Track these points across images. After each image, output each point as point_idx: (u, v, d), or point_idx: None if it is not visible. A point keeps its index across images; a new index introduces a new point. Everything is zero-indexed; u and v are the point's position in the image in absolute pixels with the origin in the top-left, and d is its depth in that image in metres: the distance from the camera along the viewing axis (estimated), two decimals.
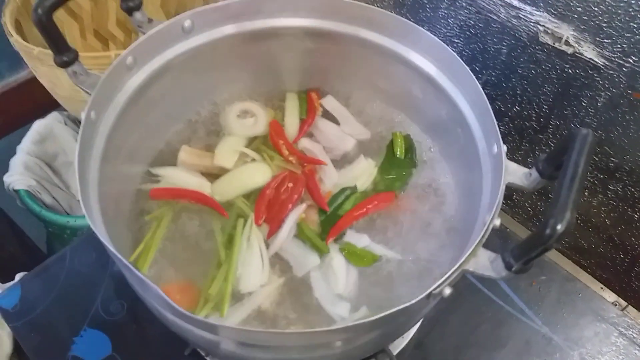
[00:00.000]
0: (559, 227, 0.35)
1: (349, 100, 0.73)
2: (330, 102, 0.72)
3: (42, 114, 1.35)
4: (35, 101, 1.41)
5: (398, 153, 0.67)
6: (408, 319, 0.47)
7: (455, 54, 0.55)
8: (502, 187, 0.45)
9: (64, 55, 0.51)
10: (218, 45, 0.63)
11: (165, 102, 0.63)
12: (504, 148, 0.48)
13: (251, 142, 0.69)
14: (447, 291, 0.41)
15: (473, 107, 0.55)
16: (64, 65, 0.51)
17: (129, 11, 0.57)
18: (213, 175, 0.66)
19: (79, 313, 0.68)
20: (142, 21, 0.58)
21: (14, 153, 1.26)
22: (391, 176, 0.66)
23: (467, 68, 0.54)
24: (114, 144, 0.54)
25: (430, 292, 0.40)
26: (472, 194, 0.54)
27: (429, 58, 0.60)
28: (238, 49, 0.65)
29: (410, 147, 0.68)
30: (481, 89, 0.52)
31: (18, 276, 0.77)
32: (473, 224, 0.50)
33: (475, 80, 0.53)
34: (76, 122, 1.39)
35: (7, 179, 1.20)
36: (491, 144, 0.51)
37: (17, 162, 1.22)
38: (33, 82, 1.42)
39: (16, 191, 1.18)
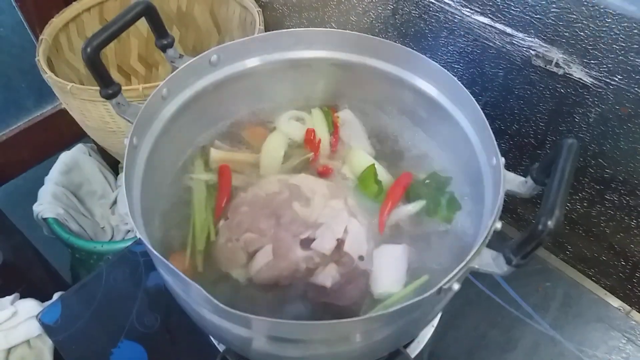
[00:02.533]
0: (549, 223, 0.40)
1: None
2: (347, 115, 0.78)
3: (66, 146, 1.43)
4: (60, 134, 1.50)
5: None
6: (422, 314, 0.52)
7: (454, 77, 0.62)
8: (502, 194, 0.51)
9: (109, 88, 0.58)
10: (241, 76, 0.70)
11: (195, 127, 0.70)
12: (502, 160, 0.54)
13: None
14: (456, 286, 0.46)
15: (473, 124, 0.61)
16: (109, 97, 0.58)
17: (163, 48, 0.65)
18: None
19: (116, 326, 0.74)
20: (174, 57, 0.66)
21: (39, 184, 1.33)
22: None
23: (466, 90, 0.60)
24: (152, 165, 0.61)
25: (441, 287, 0.46)
26: (477, 202, 0.59)
27: (431, 82, 0.67)
28: (259, 79, 0.73)
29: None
30: (479, 107, 0.58)
31: (56, 295, 0.83)
32: (477, 229, 0.56)
33: (474, 100, 0.59)
34: (99, 152, 1.47)
35: (37, 207, 1.27)
36: (491, 157, 0.56)
37: (46, 192, 1.30)
38: (57, 116, 1.51)
39: (45, 219, 1.25)
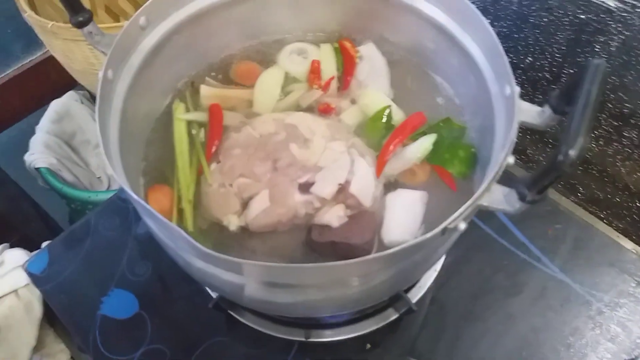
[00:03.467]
0: (571, 152, 0.35)
1: None
2: (369, 50, 0.70)
3: (58, 94, 1.37)
4: (51, 81, 1.44)
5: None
6: (424, 256, 0.48)
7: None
8: (515, 125, 0.46)
9: (79, 15, 0.52)
10: (232, 1, 0.63)
11: (179, 61, 0.64)
12: (517, 89, 0.48)
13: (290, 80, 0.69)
14: (462, 226, 0.42)
15: (485, 51, 0.55)
16: (79, 25, 0.52)
17: None
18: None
19: (106, 275, 0.71)
20: None
21: (32, 134, 1.28)
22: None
23: (478, 12, 0.54)
24: (131, 103, 0.56)
25: (445, 227, 0.41)
26: (485, 137, 0.54)
27: (439, 6, 0.60)
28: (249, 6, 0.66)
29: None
30: (492, 31, 0.52)
31: (45, 244, 0.80)
32: (487, 164, 0.51)
33: (487, 24, 0.53)
34: (92, 100, 1.41)
35: (29, 157, 1.23)
36: (503, 85, 0.51)
37: (37, 141, 1.25)
38: (48, 62, 1.45)
39: (37, 169, 1.21)
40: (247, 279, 0.44)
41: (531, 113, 0.48)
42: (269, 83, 0.68)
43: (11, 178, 1.38)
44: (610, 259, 0.73)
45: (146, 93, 0.59)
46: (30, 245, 0.95)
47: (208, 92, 0.67)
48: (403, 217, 0.56)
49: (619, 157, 0.76)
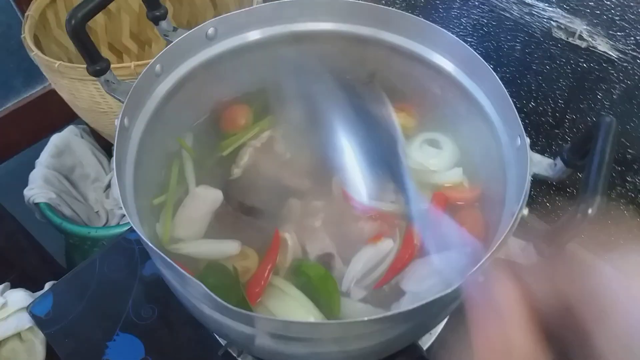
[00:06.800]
0: (590, 211, 0.36)
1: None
2: None
3: (58, 128, 1.38)
4: (51, 115, 1.45)
5: None
6: (442, 309, 0.48)
7: (473, 51, 0.57)
8: (529, 178, 0.47)
9: (97, 64, 0.53)
10: (240, 50, 0.65)
11: (191, 106, 0.64)
12: (528, 141, 0.49)
13: None
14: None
15: (493, 102, 0.57)
16: (97, 74, 0.53)
17: (155, 20, 0.59)
18: None
19: (111, 318, 0.70)
20: (167, 30, 0.60)
21: (32, 167, 1.28)
22: None
23: (486, 64, 0.55)
24: (145, 149, 0.56)
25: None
26: (495, 187, 0.55)
27: (447, 56, 0.62)
28: (259, 54, 0.67)
29: None
30: (501, 83, 0.53)
31: (47, 285, 0.79)
32: (500, 216, 0.51)
33: (495, 75, 0.54)
34: (92, 134, 1.42)
35: (28, 192, 1.22)
36: (514, 137, 0.52)
37: (37, 176, 1.25)
38: (48, 96, 1.46)
39: (36, 204, 1.20)
40: (260, 331, 0.44)
41: (543, 165, 0.49)
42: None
43: (9, 212, 1.37)
44: None
45: (159, 137, 0.60)
46: (29, 282, 0.94)
47: None
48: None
49: (622, 200, 0.77)
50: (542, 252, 0.41)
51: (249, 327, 0.44)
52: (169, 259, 0.41)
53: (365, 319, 0.39)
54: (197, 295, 0.44)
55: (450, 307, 0.49)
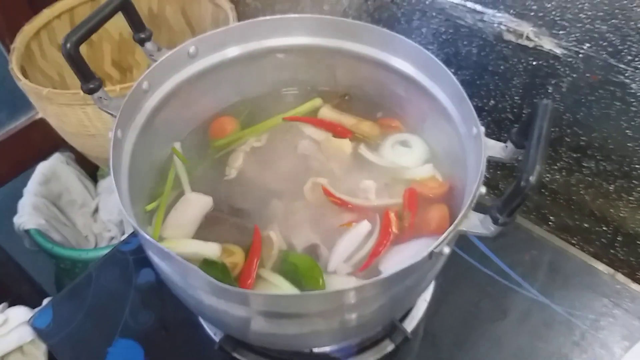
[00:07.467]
0: (531, 178, 0.42)
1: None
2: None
3: (43, 157, 1.41)
4: (36, 145, 1.48)
5: None
6: (416, 280, 0.53)
7: (431, 54, 0.63)
8: (484, 160, 0.52)
9: (90, 83, 0.58)
10: (221, 66, 0.70)
11: (177, 119, 0.70)
12: (482, 128, 0.55)
13: None
14: (446, 250, 0.48)
15: (452, 98, 0.63)
16: (90, 92, 0.58)
17: (141, 42, 0.65)
18: None
19: (109, 325, 0.73)
20: (152, 50, 0.66)
21: (19, 197, 1.31)
22: None
23: (442, 65, 0.62)
24: (137, 158, 0.61)
25: (432, 252, 0.47)
26: (458, 172, 0.61)
27: (409, 61, 0.68)
28: (238, 69, 0.73)
29: None
30: (456, 80, 0.60)
31: (46, 300, 0.81)
32: (463, 199, 0.57)
33: (451, 74, 0.61)
34: (77, 162, 1.45)
35: (18, 220, 1.25)
36: (470, 127, 0.58)
37: (26, 203, 1.28)
38: (32, 127, 1.49)
39: (27, 231, 1.23)
40: (252, 310, 0.48)
41: (496, 148, 0.55)
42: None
43: None
44: (586, 282, 0.79)
45: (149, 148, 0.65)
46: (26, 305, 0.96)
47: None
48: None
49: (581, 185, 0.84)
50: (496, 220, 0.46)
51: (245, 308, 0.48)
52: (167, 249, 0.46)
53: (346, 287, 0.44)
54: (195, 283, 0.49)
55: (422, 280, 0.54)
